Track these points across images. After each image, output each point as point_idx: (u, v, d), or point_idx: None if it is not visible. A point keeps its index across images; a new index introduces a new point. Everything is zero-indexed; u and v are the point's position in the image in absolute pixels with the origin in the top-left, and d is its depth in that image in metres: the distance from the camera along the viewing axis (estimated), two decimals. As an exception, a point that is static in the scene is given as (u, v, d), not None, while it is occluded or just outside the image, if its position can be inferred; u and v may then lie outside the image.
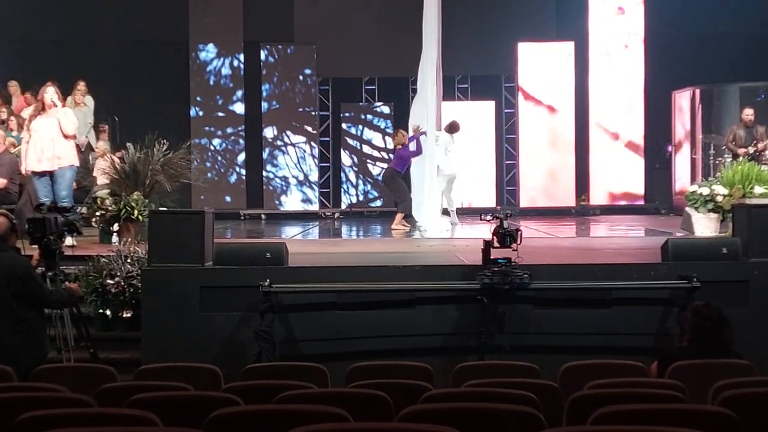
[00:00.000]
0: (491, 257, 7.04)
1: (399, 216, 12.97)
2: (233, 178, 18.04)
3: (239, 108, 18.02)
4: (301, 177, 17.98)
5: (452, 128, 13.32)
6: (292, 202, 17.97)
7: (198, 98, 17.93)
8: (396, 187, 13.34)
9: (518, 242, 6.95)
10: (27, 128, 10.23)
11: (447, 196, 13.34)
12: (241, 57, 17.99)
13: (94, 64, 16.52)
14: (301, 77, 18.11)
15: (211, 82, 18.00)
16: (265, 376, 5.18)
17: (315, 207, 17.89)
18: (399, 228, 12.81)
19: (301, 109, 18.10)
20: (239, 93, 18.01)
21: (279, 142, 18.02)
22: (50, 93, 9.99)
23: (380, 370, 5.19)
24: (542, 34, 17.26)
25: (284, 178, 17.96)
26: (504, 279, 6.93)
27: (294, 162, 17.98)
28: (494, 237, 7.00)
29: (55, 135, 9.86)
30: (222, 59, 18.01)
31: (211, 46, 17.98)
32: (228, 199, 17.86)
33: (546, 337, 7.21)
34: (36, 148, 9.86)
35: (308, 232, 13.86)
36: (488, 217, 7.08)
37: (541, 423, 3.76)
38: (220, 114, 17.99)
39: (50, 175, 9.93)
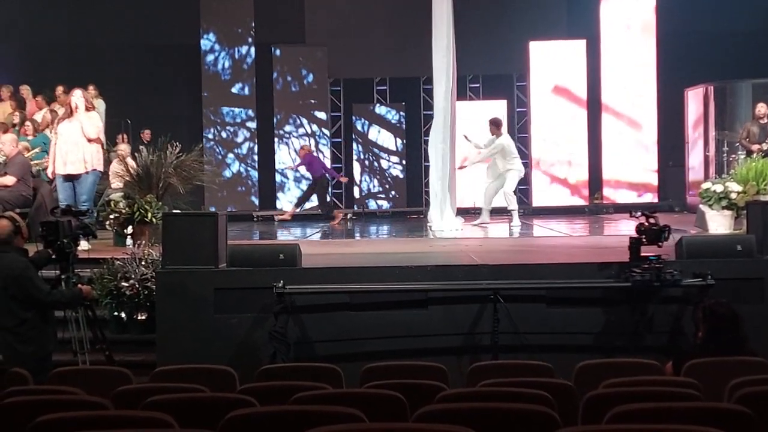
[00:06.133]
0: (641, 254, 7.03)
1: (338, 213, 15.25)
2: (245, 180, 18.08)
3: (251, 110, 18.05)
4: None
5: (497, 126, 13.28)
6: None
7: (209, 100, 17.96)
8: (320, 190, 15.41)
9: (668, 239, 6.98)
10: (54, 132, 10.28)
11: (509, 196, 13.13)
12: (253, 59, 18.03)
13: (106, 66, 16.62)
14: (312, 78, 18.14)
15: (223, 84, 18.03)
16: (280, 377, 5.19)
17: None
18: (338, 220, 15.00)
19: (312, 110, 18.12)
20: (251, 94, 18.04)
21: (291, 143, 18.04)
22: (76, 96, 10.04)
23: (395, 370, 5.18)
24: (554, 33, 17.20)
25: (296, 179, 17.95)
26: (657, 276, 6.93)
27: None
28: (642, 234, 7.00)
29: (79, 139, 9.88)
30: (233, 61, 18.05)
31: (222, 49, 18.02)
32: (240, 200, 17.90)
33: (560, 337, 7.20)
34: (61, 151, 9.91)
35: (320, 233, 13.86)
36: (638, 214, 7.12)
37: (556, 422, 3.75)
38: (232, 115, 18.03)
39: (75, 178, 9.96)
